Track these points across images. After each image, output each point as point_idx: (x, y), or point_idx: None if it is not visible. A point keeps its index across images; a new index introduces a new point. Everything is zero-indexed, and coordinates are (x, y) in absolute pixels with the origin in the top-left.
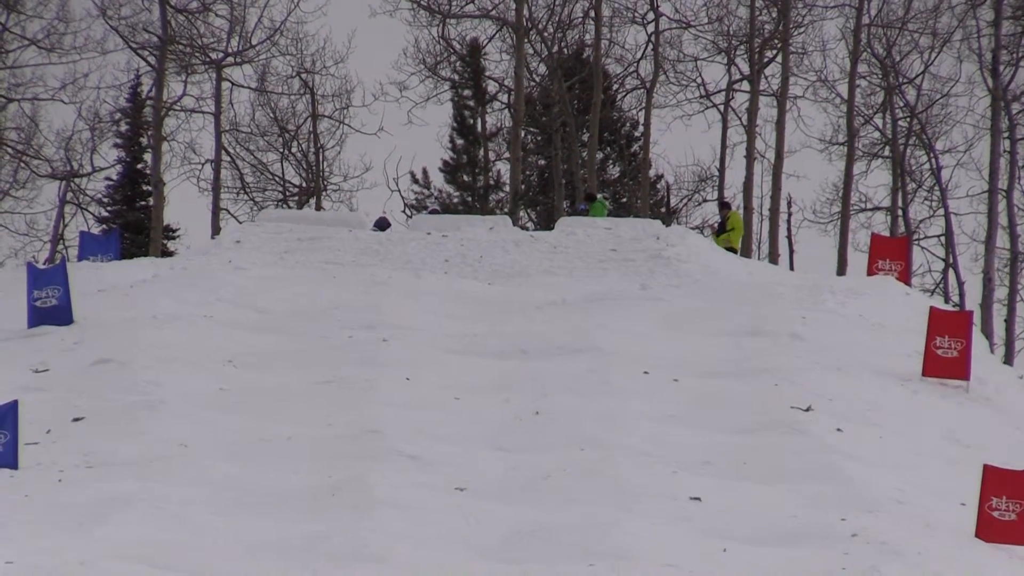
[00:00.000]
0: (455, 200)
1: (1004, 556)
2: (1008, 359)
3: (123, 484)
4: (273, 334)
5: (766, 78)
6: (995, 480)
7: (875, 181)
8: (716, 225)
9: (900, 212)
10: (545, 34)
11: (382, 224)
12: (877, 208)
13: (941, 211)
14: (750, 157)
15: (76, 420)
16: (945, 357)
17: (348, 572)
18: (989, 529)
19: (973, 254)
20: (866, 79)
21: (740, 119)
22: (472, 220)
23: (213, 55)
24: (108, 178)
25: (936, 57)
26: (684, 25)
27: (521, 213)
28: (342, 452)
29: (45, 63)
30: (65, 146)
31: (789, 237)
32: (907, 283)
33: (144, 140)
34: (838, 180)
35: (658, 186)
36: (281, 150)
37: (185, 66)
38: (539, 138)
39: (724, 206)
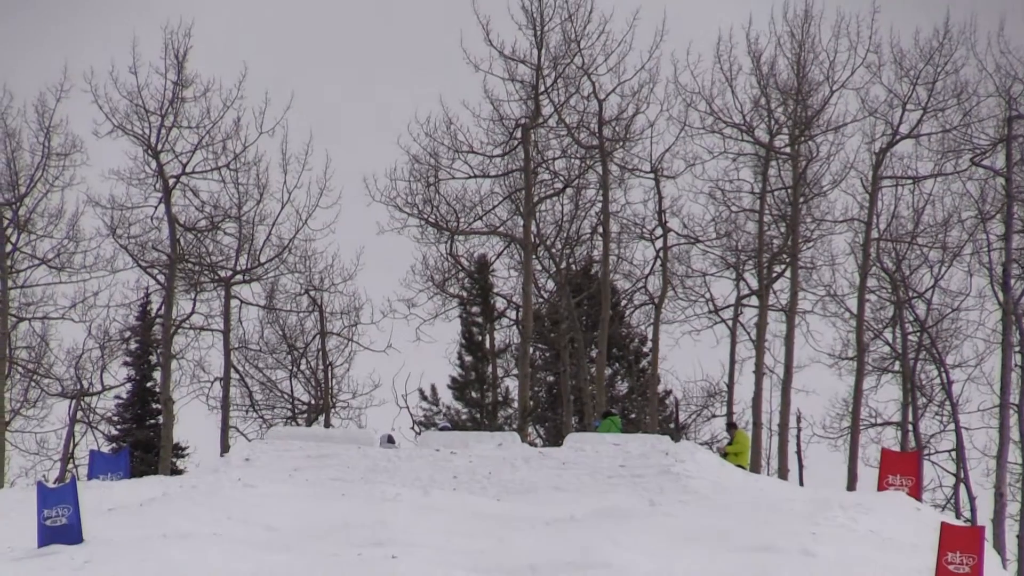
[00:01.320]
0: (463, 416)
1: None
2: (1021, 575)
3: None
4: (283, 552)
5: (775, 293)
6: None
7: (885, 396)
8: (724, 447)
9: (910, 427)
10: (553, 250)
11: (388, 440)
12: (887, 423)
13: (952, 426)
14: (759, 372)
15: None
16: (957, 573)
17: None
18: None
19: (984, 469)
20: (875, 293)
21: (749, 334)
22: (481, 436)
23: (222, 273)
24: (118, 396)
25: (946, 271)
26: (692, 240)
27: (530, 429)
28: None
29: (55, 282)
30: (75, 364)
31: (799, 452)
32: (918, 498)
33: (153, 358)
34: (848, 395)
35: (667, 401)
36: (290, 367)
37: (194, 284)
38: (547, 354)
39: (731, 427)
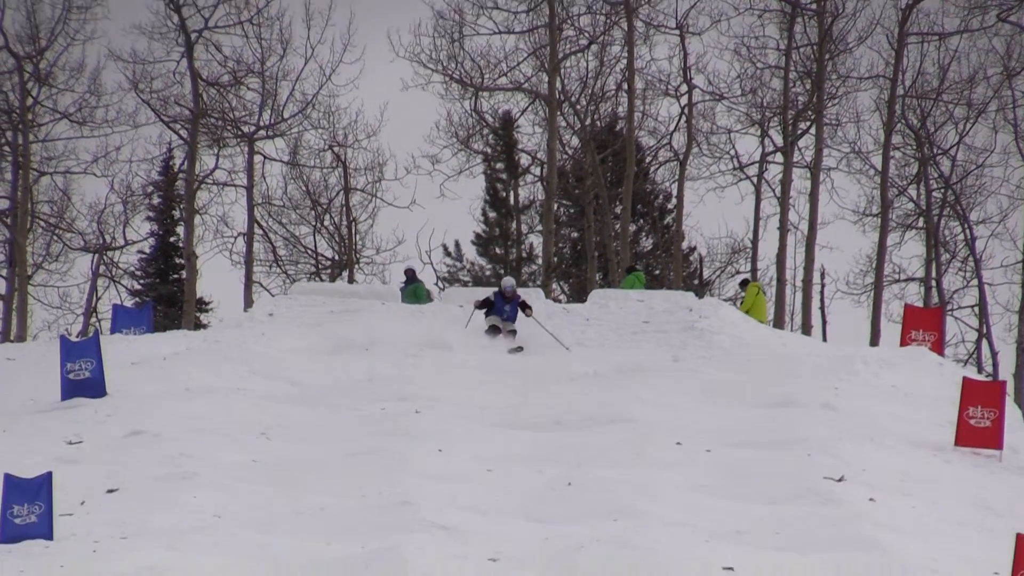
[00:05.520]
0: (487, 272)
1: None
2: None
3: (157, 555)
4: (306, 406)
5: (799, 150)
6: None
7: (909, 252)
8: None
9: (934, 283)
10: (578, 107)
11: (411, 276)
12: (911, 279)
13: (975, 281)
14: (783, 229)
15: (110, 491)
16: (978, 427)
17: None
18: None
19: (1007, 324)
20: (900, 150)
21: (773, 191)
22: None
23: (245, 128)
24: (141, 251)
25: (971, 128)
26: (717, 97)
27: (554, 285)
28: (375, 523)
29: (77, 136)
30: (97, 219)
31: (822, 308)
32: (940, 353)
33: (176, 213)
34: (871, 251)
35: (691, 258)
36: (313, 223)
37: (217, 139)
38: (572, 210)
39: (743, 284)
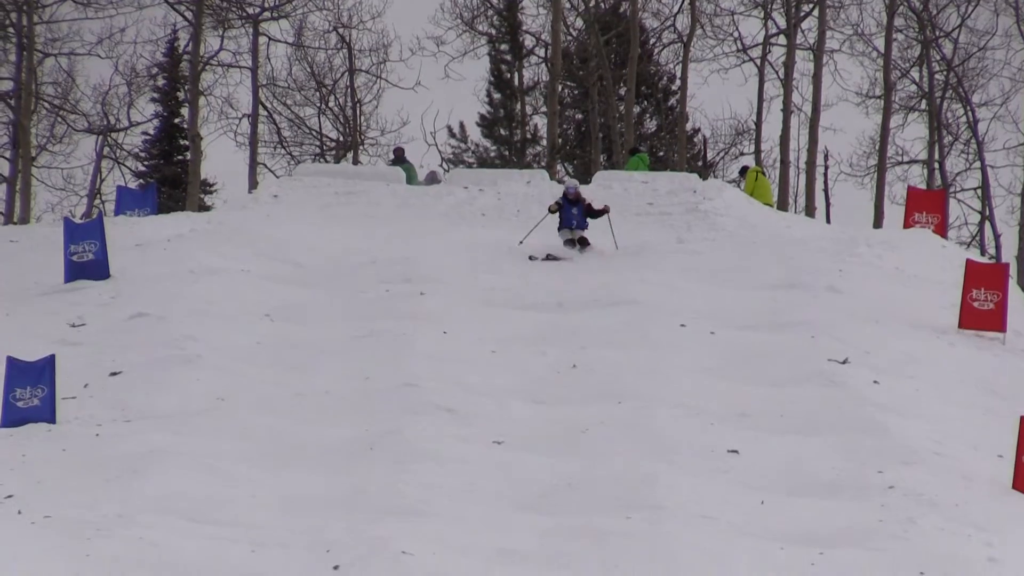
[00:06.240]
0: (492, 154)
1: None
2: None
3: (160, 438)
4: (310, 288)
5: (803, 32)
6: None
7: (911, 134)
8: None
9: (936, 165)
10: None
11: (399, 155)
12: (913, 161)
13: (977, 164)
14: (787, 111)
15: (113, 374)
16: (981, 309)
17: (386, 525)
18: None
19: (1009, 206)
20: (903, 33)
21: (777, 73)
22: (510, 174)
23: (250, 9)
24: (145, 133)
25: (973, 10)
26: None
27: (558, 167)
28: (379, 405)
29: (82, 18)
30: (102, 101)
31: (825, 190)
32: (943, 236)
33: (181, 95)
34: (874, 133)
35: (695, 140)
36: (318, 105)
37: (222, 21)
38: (576, 92)
39: (742, 171)
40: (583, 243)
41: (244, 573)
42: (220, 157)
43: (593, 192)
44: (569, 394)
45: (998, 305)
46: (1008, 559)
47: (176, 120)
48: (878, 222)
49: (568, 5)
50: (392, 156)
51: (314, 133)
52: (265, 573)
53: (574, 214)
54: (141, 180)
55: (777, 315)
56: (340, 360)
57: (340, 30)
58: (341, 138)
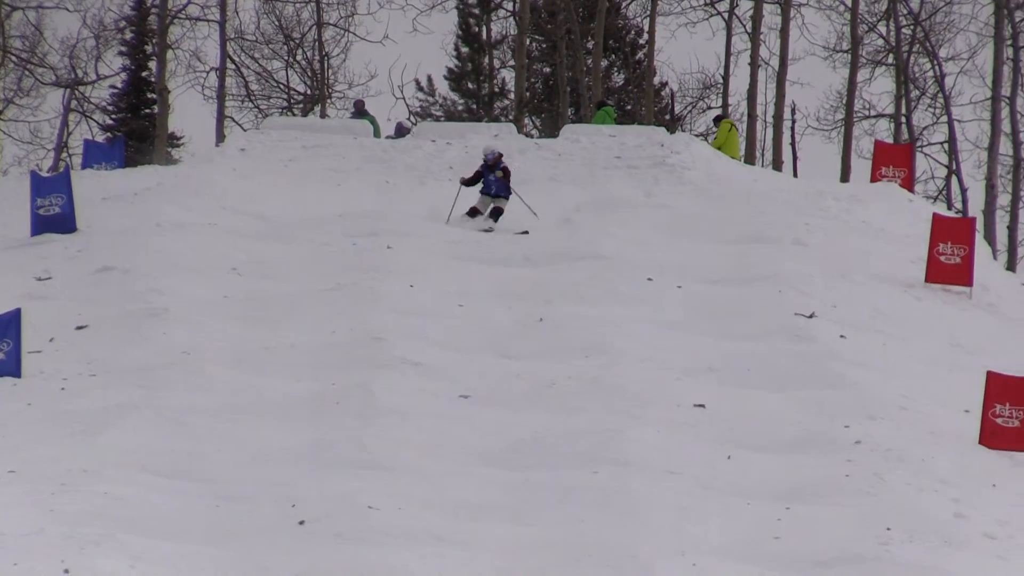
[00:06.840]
0: (460, 107)
1: (1008, 463)
2: (1011, 266)
3: (126, 392)
4: (277, 242)
5: None
6: (998, 387)
7: (878, 88)
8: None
9: (903, 119)
10: None
11: (359, 108)
12: (880, 115)
13: (944, 118)
14: (754, 64)
15: (79, 328)
16: (948, 264)
17: (353, 479)
18: (993, 436)
19: (976, 161)
20: None
21: (744, 26)
22: (477, 127)
23: None
24: (113, 86)
25: None
26: None
27: (526, 120)
28: (346, 359)
29: None
30: (70, 54)
31: (793, 144)
32: (910, 190)
33: (149, 48)
34: (842, 88)
35: (662, 94)
36: (286, 58)
37: None
38: (544, 46)
39: (716, 120)
40: (495, 213)
41: (210, 527)
42: (188, 111)
43: (561, 145)
44: (536, 348)
45: (964, 259)
46: (975, 514)
47: (144, 74)
48: (845, 176)
49: None
50: (353, 109)
51: (282, 87)
52: (231, 527)
53: (491, 180)
54: (108, 134)
55: (744, 269)
56: (307, 314)
57: None
58: (309, 92)
